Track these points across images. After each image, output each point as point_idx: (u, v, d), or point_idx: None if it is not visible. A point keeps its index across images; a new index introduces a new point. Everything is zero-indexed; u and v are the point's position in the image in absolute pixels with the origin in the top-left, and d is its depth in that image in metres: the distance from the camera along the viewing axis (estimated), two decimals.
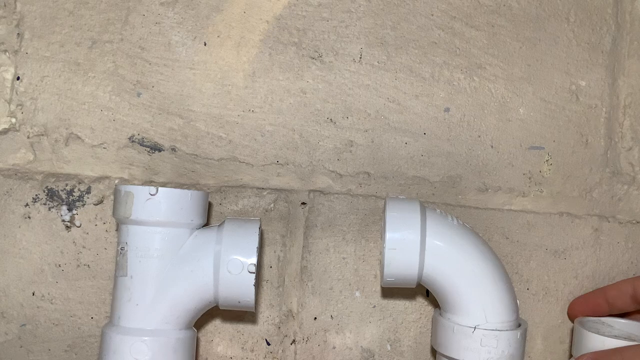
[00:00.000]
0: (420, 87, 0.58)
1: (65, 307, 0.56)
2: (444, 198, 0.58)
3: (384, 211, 0.52)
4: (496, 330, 0.49)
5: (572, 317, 0.58)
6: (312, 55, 0.57)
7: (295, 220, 0.57)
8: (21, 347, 0.56)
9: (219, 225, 0.51)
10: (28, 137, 0.56)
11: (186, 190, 0.49)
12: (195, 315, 0.50)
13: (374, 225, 0.58)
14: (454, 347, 0.50)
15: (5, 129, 0.56)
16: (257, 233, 0.49)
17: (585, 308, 0.57)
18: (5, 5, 0.56)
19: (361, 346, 0.58)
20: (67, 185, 0.56)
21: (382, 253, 0.51)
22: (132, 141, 0.56)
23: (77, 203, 0.56)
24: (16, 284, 0.56)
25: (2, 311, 0.56)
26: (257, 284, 0.55)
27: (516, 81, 0.58)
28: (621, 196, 0.59)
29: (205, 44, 0.57)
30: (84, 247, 0.56)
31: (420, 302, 0.58)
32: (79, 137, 0.56)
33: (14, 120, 0.56)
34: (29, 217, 0.56)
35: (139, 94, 0.56)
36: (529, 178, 0.58)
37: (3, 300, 0.56)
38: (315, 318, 0.57)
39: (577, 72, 0.59)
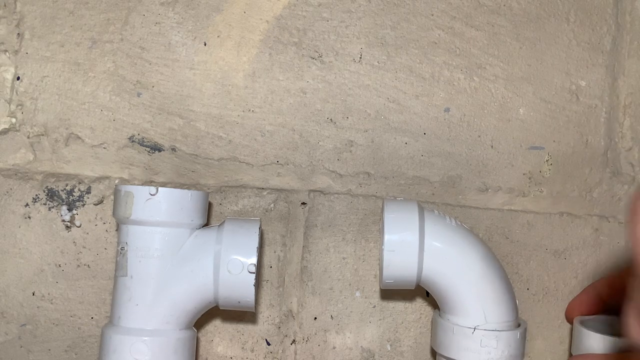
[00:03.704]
0: (420, 87, 0.58)
1: (65, 307, 0.56)
2: (444, 198, 0.58)
3: (382, 213, 0.52)
4: (496, 330, 0.49)
5: (569, 319, 0.58)
6: (312, 55, 0.57)
7: (295, 220, 0.57)
8: (21, 347, 0.56)
9: (219, 225, 0.51)
10: (28, 137, 0.56)
11: (186, 190, 0.49)
12: (195, 315, 0.50)
13: (373, 225, 0.58)
14: (453, 347, 0.50)
15: (5, 129, 0.56)
16: (257, 233, 0.49)
17: (581, 308, 0.57)
18: (5, 5, 0.56)
19: (361, 346, 0.58)
20: (67, 185, 0.56)
21: (380, 255, 0.51)
22: (132, 141, 0.56)
23: (77, 203, 0.56)
24: (16, 284, 0.56)
25: (2, 311, 0.56)
26: (257, 284, 0.55)
27: (516, 81, 0.58)
28: (621, 196, 0.59)
29: (205, 44, 0.57)
30: (84, 247, 0.56)
31: (420, 303, 0.58)
32: (79, 137, 0.56)
33: (14, 120, 0.56)
34: (29, 217, 0.56)
35: (139, 94, 0.56)
36: (529, 178, 0.58)
37: (3, 300, 0.56)
38: (315, 318, 0.57)
39: (577, 72, 0.59)
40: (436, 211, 0.52)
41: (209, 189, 0.57)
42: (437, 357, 0.53)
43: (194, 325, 0.52)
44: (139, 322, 0.48)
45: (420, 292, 0.58)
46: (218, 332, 0.57)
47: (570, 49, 0.59)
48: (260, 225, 0.52)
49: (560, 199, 0.59)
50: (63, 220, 0.56)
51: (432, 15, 0.58)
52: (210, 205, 0.56)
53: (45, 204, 0.56)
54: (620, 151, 0.59)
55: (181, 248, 0.49)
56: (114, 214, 0.50)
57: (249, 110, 0.57)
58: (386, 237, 0.49)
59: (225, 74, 0.57)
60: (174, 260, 0.49)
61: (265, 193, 0.57)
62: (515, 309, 0.51)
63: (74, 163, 0.56)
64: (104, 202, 0.56)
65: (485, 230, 0.58)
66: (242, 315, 0.57)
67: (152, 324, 0.48)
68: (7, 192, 0.56)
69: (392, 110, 0.58)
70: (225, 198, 0.57)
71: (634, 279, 0.30)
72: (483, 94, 0.58)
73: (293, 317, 0.57)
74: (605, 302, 0.55)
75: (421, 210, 0.51)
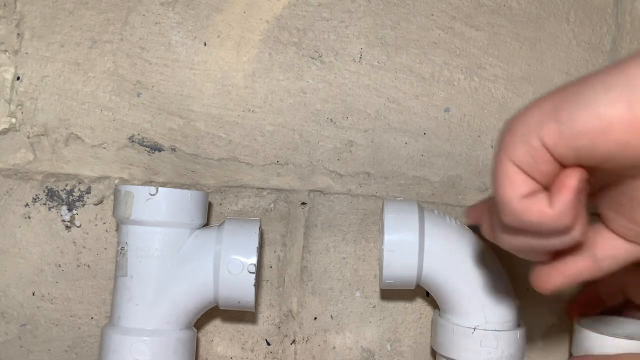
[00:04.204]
0: (420, 87, 0.58)
1: (65, 307, 0.56)
2: (444, 198, 0.58)
3: (382, 213, 0.52)
4: (496, 330, 0.49)
5: (571, 318, 0.58)
6: (312, 55, 0.57)
7: (295, 220, 0.57)
8: (21, 347, 0.56)
9: (219, 225, 0.51)
10: (28, 137, 0.56)
11: (186, 190, 0.49)
12: (195, 315, 0.50)
13: (373, 225, 0.58)
14: (453, 348, 0.50)
15: (5, 129, 0.56)
16: (257, 233, 0.49)
17: (581, 308, 0.57)
18: (5, 5, 0.56)
19: (361, 346, 0.58)
20: (67, 185, 0.56)
21: (380, 255, 0.51)
22: (132, 141, 0.56)
23: (77, 203, 0.56)
24: (16, 284, 0.56)
25: (2, 311, 0.56)
26: (257, 284, 0.55)
27: (516, 81, 0.58)
28: None
29: (205, 44, 0.57)
30: (84, 247, 0.56)
31: (420, 302, 0.58)
32: (79, 137, 0.56)
33: (14, 120, 0.56)
34: (29, 217, 0.56)
35: (139, 94, 0.56)
36: None
37: (3, 300, 0.56)
38: (315, 318, 0.57)
39: (577, 72, 0.59)
40: (436, 211, 0.52)
41: (209, 189, 0.57)
42: (437, 357, 0.53)
43: (194, 325, 0.52)
44: (139, 322, 0.48)
45: (420, 292, 0.58)
46: (218, 332, 0.57)
47: (570, 49, 0.59)
48: (260, 225, 0.52)
49: None
50: (63, 220, 0.56)
51: (432, 15, 0.58)
52: (210, 205, 0.56)
53: (45, 204, 0.56)
54: None
55: (181, 248, 0.49)
56: (114, 214, 0.50)
57: (249, 110, 0.57)
58: (386, 237, 0.49)
59: (225, 74, 0.57)
60: (174, 260, 0.49)
61: (265, 193, 0.57)
62: (515, 309, 0.51)
63: (74, 163, 0.56)
64: (104, 202, 0.56)
65: None
66: (242, 315, 0.57)
67: (152, 324, 0.48)
68: (7, 192, 0.56)
69: (392, 110, 0.58)
70: (225, 198, 0.57)
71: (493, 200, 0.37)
72: (483, 94, 0.58)
73: (293, 317, 0.57)
74: (605, 302, 0.56)
75: (421, 210, 0.51)
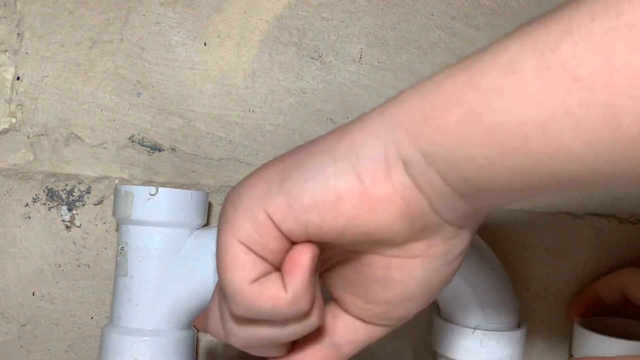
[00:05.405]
0: None
1: (65, 307, 0.56)
2: None
3: None
4: (496, 330, 0.49)
5: (571, 319, 0.58)
6: (312, 55, 0.57)
7: None
8: (21, 347, 0.56)
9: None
10: (28, 137, 0.56)
11: (186, 191, 0.49)
12: (195, 315, 0.50)
13: None
14: (454, 348, 0.50)
15: (5, 129, 0.56)
16: None
17: (581, 308, 0.57)
18: (5, 5, 0.56)
19: None
20: (67, 185, 0.56)
21: None
22: (132, 141, 0.56)
23: (77, 203, 0.56)
24: (16, 284, 0.56)
25: (2, 311, 0.56)
26: None
27: None
28: (621, 195, 0.59)
29: (205, 44, 0.57)
30: (84, 247, 0.56)
31: None
32: (79, 137, 0.56)
33: (14, 120, 0.56)
34: (29, 217, 0.56)
35: (139, 94, 0.56)
36: None
37: (3, 300, 0.56)
38: None
39: None
40: None
41: (209, 189, 0.57)
42: (437, 357, 0.53)
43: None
44: (139, 322, 0.48)
45: None
46: None
47: None
48: None
49: (560, 198, 0.59)
50: (63, 220, 0.56)
51: (432, 15, 0.58)
52: (210, 205, 0.56)
53: (45, 204, 0.56)
54: None
55: (181, 248, 0.49)
56: (114, 214, 0.50)
57: (249, 110, 0.57)
58: None
59: (225, 74, 0.57)
60: (174, 260, 0.49)
61: None
62: (515, 309, 0.51)
63: (74, 163, 0.56)
64: (104, 202, 0.56)
65: (485, 231, 0.58)
66: None
67: (152, 324, 0.48)
68: (7, 192, 0.56)
69: None
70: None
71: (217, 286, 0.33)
72: None
73: None
74: (605, 303, 0.56)
75: None
